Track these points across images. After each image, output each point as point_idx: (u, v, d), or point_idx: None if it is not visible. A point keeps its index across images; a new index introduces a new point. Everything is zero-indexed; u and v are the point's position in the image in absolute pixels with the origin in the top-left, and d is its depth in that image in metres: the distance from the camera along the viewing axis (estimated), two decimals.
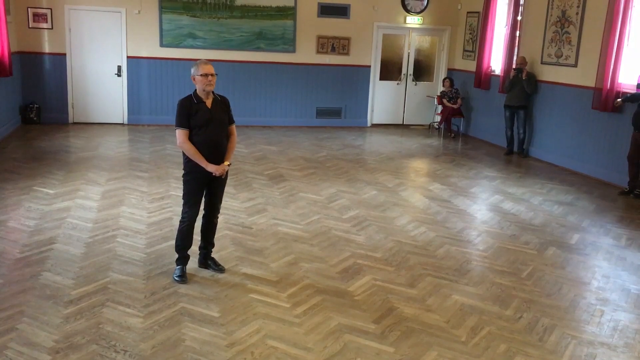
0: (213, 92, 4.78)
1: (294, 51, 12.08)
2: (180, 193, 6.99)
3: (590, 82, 9.01)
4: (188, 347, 3.69)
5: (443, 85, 12.47)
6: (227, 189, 7.31)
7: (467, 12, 12.56)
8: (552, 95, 9.94)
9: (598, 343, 4.05)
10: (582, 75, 9.27)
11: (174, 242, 5.40)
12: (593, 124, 9.10)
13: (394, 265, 5.23)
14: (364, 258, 5.35)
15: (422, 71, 13.24)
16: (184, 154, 4.69)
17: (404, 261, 5.33)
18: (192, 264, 4.95)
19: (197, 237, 4.90)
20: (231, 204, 6.69)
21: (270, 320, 4.10)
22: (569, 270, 5.37)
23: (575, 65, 9.44)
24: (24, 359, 3.48)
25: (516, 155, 10.50)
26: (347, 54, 12.39)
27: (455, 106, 11.98)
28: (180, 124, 4.65)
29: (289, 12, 11.90)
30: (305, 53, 12.16)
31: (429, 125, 13.06)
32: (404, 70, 13.00)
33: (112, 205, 6.42)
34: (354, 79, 12.57)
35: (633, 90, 8.18)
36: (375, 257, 5.38)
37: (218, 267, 4.87)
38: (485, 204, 7.39)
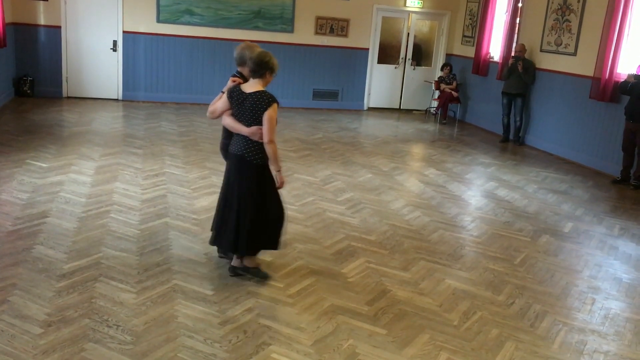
0: None
1: (292, 31, 11.97)
2: (176, 171, 6.98)
3: (589, 72, 8.99)
4: (181, 324, 3.69)
5: (442, 71, 12.41)
6: (222, 167, 7.25)
7: None
8: (550, 84, 9.92)
9: (589, 330, 4.08)
10: (581, 64, 9.25)
11: (168, 219, 5.41)
12: (590, 113, 9.09)
13: (388, 248, 5.24)
14: (358, 240, 5.35)
15: (420, 56, 13.17)
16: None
17: (398, 245, 5.34)
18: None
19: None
20: None
21: (263, 299, 4.10)
22: (562, 258, 5.39)
23: (574, 54, 9.41)
24: (15, 331, 3.47)
25: (512, 143, 10.50)
26: (345, 35, 12.30)
27: (453, 92, 11.93)
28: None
29: None
30: (304, 34, 12.05)
31: (426, 110, 13.02)
32: (402, 54, 12.92)
33: (106, 181, 6.37)
34: (352, 62, 12.49)
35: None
36: (369, 240, 5.38)
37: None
38: (480, 191, 7.40)
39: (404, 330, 3.87)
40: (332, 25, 12.17)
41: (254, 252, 4.42)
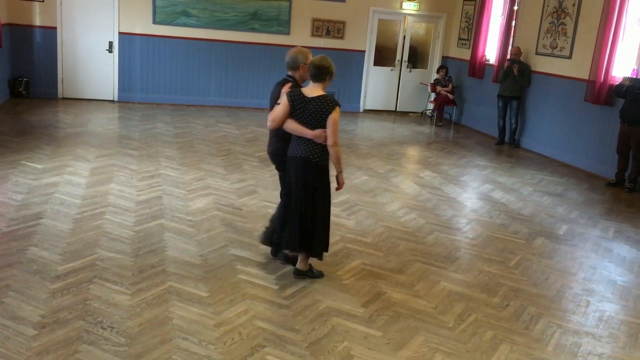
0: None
1: (288, 33, 11.98)
2: (172, 173, 6.98)
3: (584, 75, 9.02)
4: (175, 326, 3.68)
5: (438, 74, 12.43)
6: (217, 169, 7.30)
7: (464, 0, 12.50)
8: (546, 87, 9.95)
9: (583, 333, 4.09)
10: (576, 67, 9.28)
11: (163, 221, 5.41)
12: (585, 116, 9.12)
13: (384, 250, 5.24)
14: (354, 242, 5.35)
15: (416, 58, 13.19)
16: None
17: (393, 247, 5.34)
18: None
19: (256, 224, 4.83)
20: (221, 185, 6.66)
21: (258, 301, 4.09)
22: (557, 260, 5.41)
23: (569, 57, 9.45)
24: (9, 332, 3.45)
25: (507, 146, 10.52)
26: (341, 37, 12.31)
27: (449, 94, 11.95)
28: None
29: None
30: (300, 36, 12.06)
31: (422, 112, 13.04)
32: (398, 57, 12.94)
33: (101, 182, 6.36)
34: (348, 64, 12.49)
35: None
36: (364, 242, 5.38)
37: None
38: (476, 193, 7.41)
39: (399, 332, 3.87)
40: (328, 27, 12.18)
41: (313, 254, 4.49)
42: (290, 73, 4.53)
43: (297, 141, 4.29)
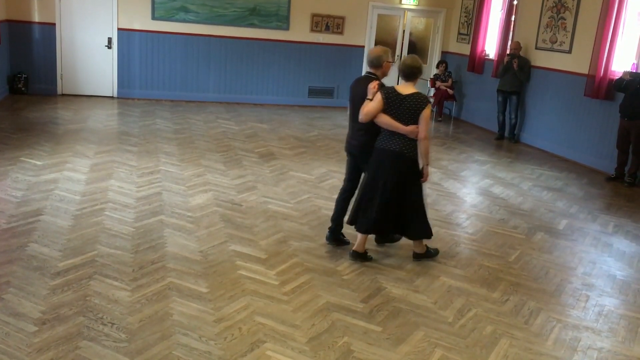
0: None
1: (287, 29, 11.95)
2: (171, 169, 6.98)
3: (584, 69, 9.01)
4: (176, 322, 3.69)
5: (437, 69, 12.41)
6: (217, 165, 7.30)
7: None
8: (545, 81, 9.94)
9: (583, 327, 4.10)
10: (576, 62, 9.27)
11: (163, 217, 5.41)
12: (585, 111, 9.12)
13: (383, 245, 5.24)
14: (354, 238, 5.34)
15: (415, 53, 13.13)
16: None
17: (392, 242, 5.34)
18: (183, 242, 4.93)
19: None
20: (221, 181, 6.66)
21: (258, 297, 4.10)
22: (556, 255, 5.41)
23: (569, 52, 9.43)
24: (9, 329, 3.46)
25: (507, 141, 10.52)
26: (341, 33, 12.29)
27: (449, 89, 11.93)
28: None
29: None
30: (299, 31, 12.04)
31: None
32: (397, 52, 12.91)
33: (101, 179, 6.36)
34: (348, 59, 12.48)
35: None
36: None
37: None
38: (475, 188, 7.41)
39: (399, 327, 3.88)
40: (327, 22, 12.16)
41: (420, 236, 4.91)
42: (372, 70, 4.82)
43: (389, 135, 4.61)
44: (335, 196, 6.50)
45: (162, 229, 5.14)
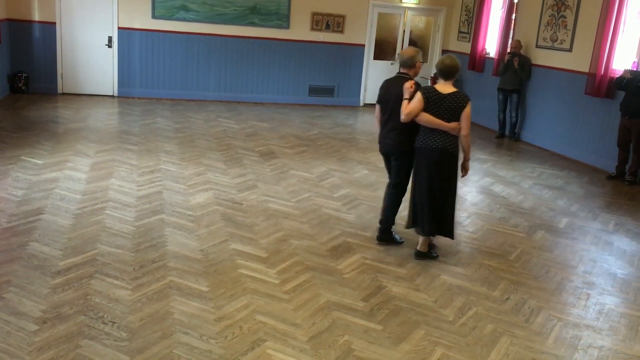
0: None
1: (287, 27, 11.94)
2: (172, 167, 6.98)
3: (585, 68, 9.00)
4: (176, 321, 3.69)
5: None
6: (217, 164, 7.30)
7: None
8: (546, 80, 9.93)
9: (583, 325, 4.10)
10: (577, 60, 9.26)
11: (163, 216, 5.42)
12: (585, 109, 9.11)
13: (384, 244, 5.24)
14: (354, 237, 5.36)
15: None
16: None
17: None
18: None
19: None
20: (221, 180, 6.66)
21: (259, 295, 4.10)
22: (557, 253, 5.41)
23: (570, 50, 9.42)
24: (10, 328, 3.46)
25: (508, 139, 10.51)
26: (341, 31, 12.28)
27: None
28: None
29: None
30: (300, 30, 12.03)
31: None
32: (398, 50, 12.91)
33: (101, 178, 6.36)
34: (348, 58, 12.48)
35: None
36: (365, 236, 5.38)
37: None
38: (476, 187, 7.41)
39: (400, 326, 3.88)
40: (328, 21, 12.15)
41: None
42: (405, 70, 4.99)
43: (430, 133, 4.74)
44: (336, 195, 6.52)
45: (162, 228, 5.14)
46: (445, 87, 4.72)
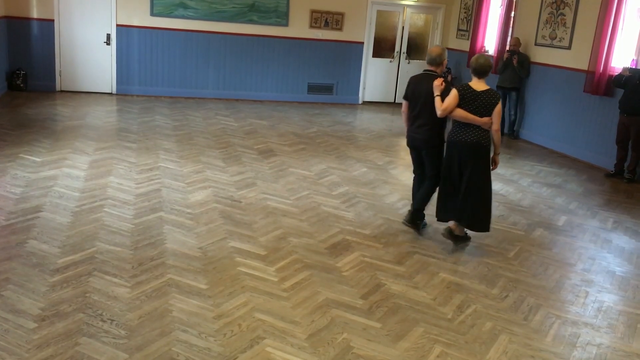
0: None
1: (286, 25, 11.93)
2: (170, 165, 6.98)
3: (583, 65, 9.00)
4: (175, 318, 3.69)
5: None
6: (216, 162, 7.30)
7: None
8: (545, 78, 9.93)
9: (582, 323, 4.10)
10: (576, 58, 9.26)
11: (162, 213, 5.41)
12: (584, 107, 9.11)
13: (383, 242, 5.24)
14: (353, 234, 5.36)
15: (415, 49, 13.15)
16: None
17: (392, 238, 5.34)
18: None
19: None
20: (220, 178, 6.65)
21: (258, 293, 4.10)
22: (556, 251, 5.41)
23: (569, 48, 9.42)
24: (9, 325, 3.46)
25: (506, 137, 10.51)
26: (340, 29, 12.26)
27: None
28: None
29: None
30: (298, 27, 12.02)
31: None
32: (397, 48, 12.90)
33: (100, 175, 6.35)
34: (347, 55, 12.47)
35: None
36: (364, 234, 5.38)
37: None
38: None
39: (398, 323, 3.88)
40: (326, 18, 12.14)
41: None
42: (432, 68, 5.24)
43: (463, 128, 4.99)
44: (335, 192, 6.52)
45: (161, 226, 5.14)
46: (478, 85, 4.96)
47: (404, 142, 9.66)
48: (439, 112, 4.99)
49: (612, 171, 8.24)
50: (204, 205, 5.73)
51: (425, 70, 5.31)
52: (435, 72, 5.21)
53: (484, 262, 5.00)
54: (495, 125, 4.96)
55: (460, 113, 4.94)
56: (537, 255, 5.26)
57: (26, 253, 4.41)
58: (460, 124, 5.00)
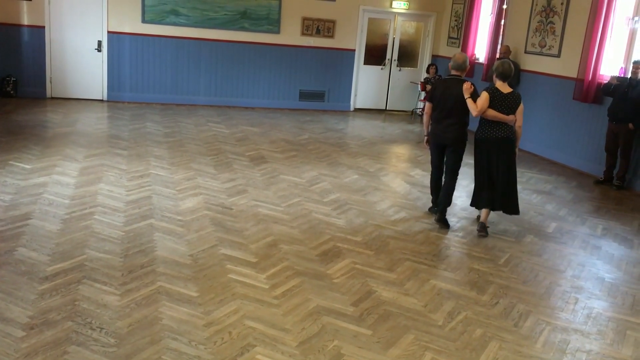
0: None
1: (278, 32, 11.96)
2: (161, 172, 6.96)
3: (573, 73, 9.07)
4: (165, 326, 3.67)
5: (428, 72, 12.47)
6: (207, 169, 7.28)
7: None
8: (534, 85, 10.00)
9: (572, 329, 4.12)
10: (565, 66, 9.34)
11: (152, 220, 5.40)
12: (573, 114, 9.18)
13: (374, 249, 5.25)
14: (344, 241, 5.36)
15: (406, 57, 13.22)
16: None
17: (383, 245, 5.35)
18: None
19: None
20: (211, 185, 6.64)
21: (248, 300, 4.09)
22: (546, 258, 5.44)
23: (558, 56, 9.50)
24: None
25: None
26: (331, 36, 12.31)
27: None
28: None
29: None
30: (290, 34, 12.05)
31: (412, 111, 13.07)
32: (388, 55, 12.96)
33: (90, 182, 6.32)
34: (338, 63, 12.51)
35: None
36: (355, 241, 5.39)
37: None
38: (466, 191, 7.43)
39: (389, 330, 3.88)
40: (318, 26, 12.18)
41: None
42: (457, 72, 5.86)
43: (492, 125, 5.68)
44: (326, 199, 6.53)
45: (151, 233, 5.12)
46: (504, 87, 5.66)
47: (395, 149, 9.76)
48: (474, 113, 5.58)
49: (601, 178, 8.30)
50: (194, 213, 5.71)
51: (451, 75, 5.88)
52: (461, 77, 5.82)
53: (475, 269, 5.02)
54: (520, 122, 5.70)
55: (492, 113, 5.60)
56: (527, 262, 5.28)
57: (15, 261, 4.38)
58: (489, 123, 5.66)
